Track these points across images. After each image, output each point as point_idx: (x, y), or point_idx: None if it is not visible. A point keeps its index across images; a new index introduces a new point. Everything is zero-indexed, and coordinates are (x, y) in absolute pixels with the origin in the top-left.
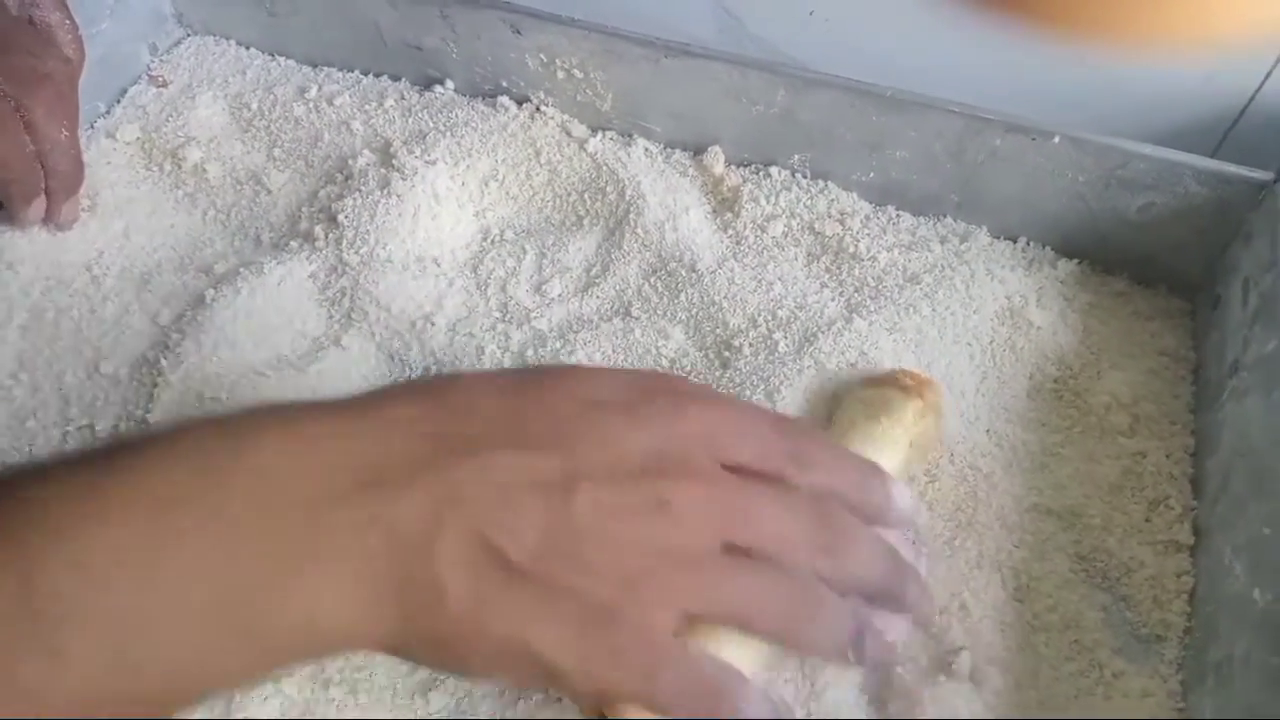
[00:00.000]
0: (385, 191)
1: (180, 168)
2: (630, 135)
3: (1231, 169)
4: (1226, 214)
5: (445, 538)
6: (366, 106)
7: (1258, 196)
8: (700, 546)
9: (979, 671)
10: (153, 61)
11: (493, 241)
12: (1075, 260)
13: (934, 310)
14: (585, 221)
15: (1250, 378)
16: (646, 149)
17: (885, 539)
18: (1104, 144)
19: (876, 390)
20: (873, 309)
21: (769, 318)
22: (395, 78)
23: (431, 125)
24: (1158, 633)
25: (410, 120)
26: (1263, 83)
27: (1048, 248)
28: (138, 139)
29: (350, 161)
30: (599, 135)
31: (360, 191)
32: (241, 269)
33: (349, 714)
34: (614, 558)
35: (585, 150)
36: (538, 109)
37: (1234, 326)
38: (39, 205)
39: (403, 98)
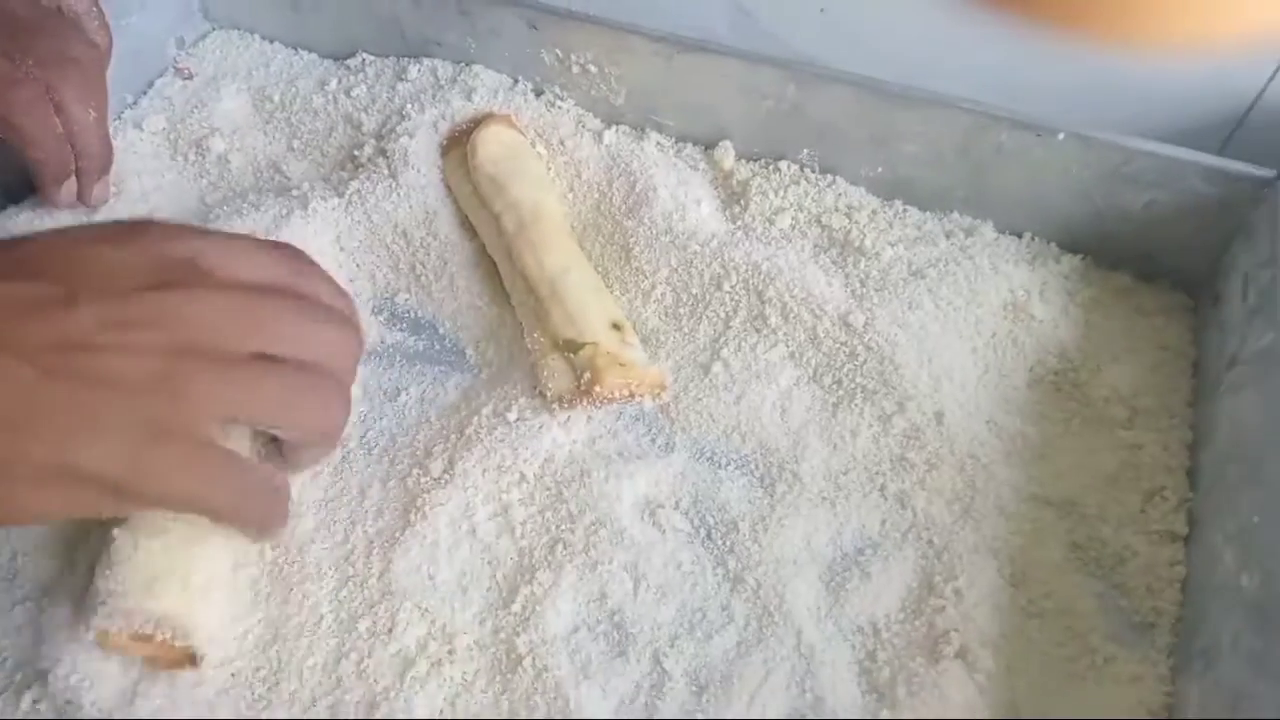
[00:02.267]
0: (394, 182)
1: (204, 158)
2: (643, 129)
3: (1235, 166)
4: (1229, 211)
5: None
6: (382, 97)
7: (1260, 194)
8: (231, 350)
9: (972, 654)
10: (179, 54)
11: None
12: (1079, 256)
13: (937, 304)
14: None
15: (1247, 371)
16: (659, 143)
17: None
18: (1109, 141)
19: None
20: (877, 301)
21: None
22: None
23: (441, 115)
24: (1150, 620)
25: (424, 112)
26: (1268, 83)
27: (1052, 243)
28: (164, 129)
29: (357, 152)
30: (613, 129)
31: (372, 179)
32: None
33: None
34: (139, 364)
35: (600, 143)
36: (553, 103)
37: (1233, 322)
38: (70, 186)
39: (417, 89)
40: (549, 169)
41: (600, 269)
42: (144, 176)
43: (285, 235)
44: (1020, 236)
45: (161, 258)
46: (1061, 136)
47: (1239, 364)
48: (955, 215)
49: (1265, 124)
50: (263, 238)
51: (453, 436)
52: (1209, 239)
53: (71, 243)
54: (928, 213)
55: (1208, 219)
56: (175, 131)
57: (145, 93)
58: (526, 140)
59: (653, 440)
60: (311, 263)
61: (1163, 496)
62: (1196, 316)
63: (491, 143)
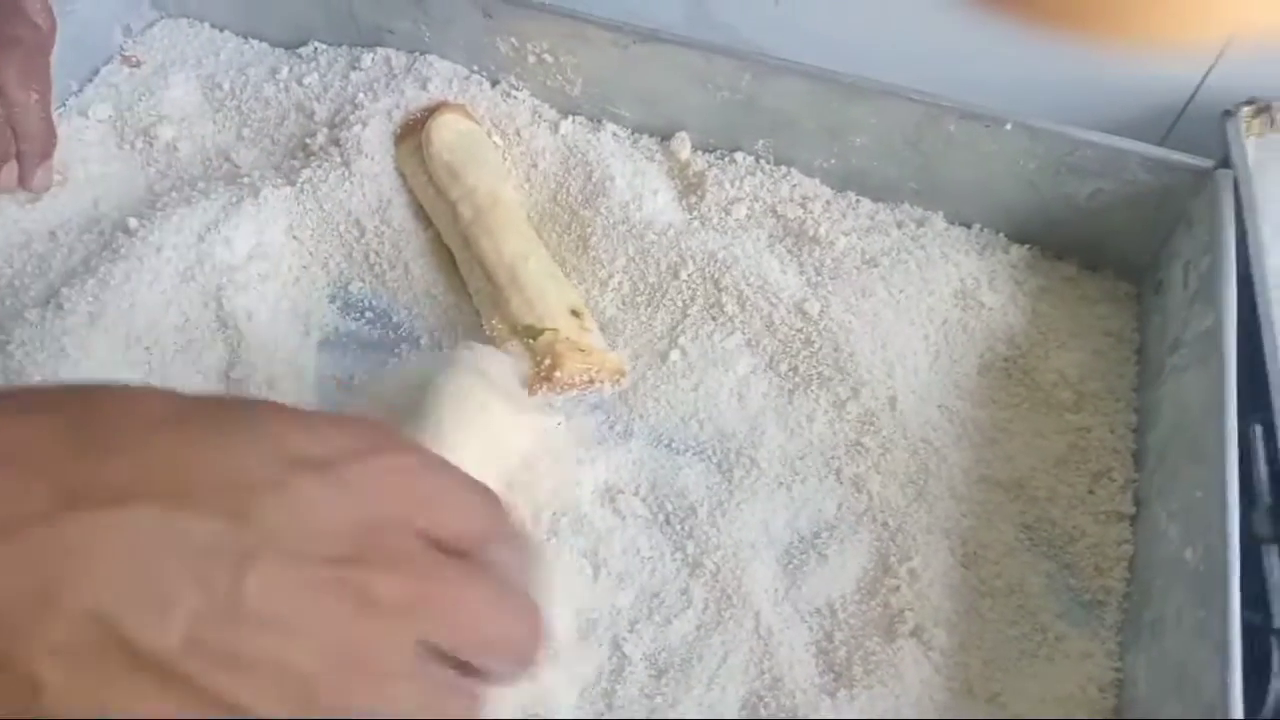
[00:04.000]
0: (347, 170)
1: (152, 146)
2: (599, 120)
3: (1175, 156)
4: (1170, 201)
5: (51, 618)
6: (335, 85)
7: (1199, 183)
8: (395, 652)
9: (926, 633)
10: (126, 42)
11: None
12: (1026, 246)
13: (889, 292)
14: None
15: (1189, 353)
16: (615, 134)
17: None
18: (1054, 131)
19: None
20: (832, 289)
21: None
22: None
23: (396, 104)
24: (1098, 598)
25: (378, 100)
26: (1205, 76)
27: (1000, 233)
28: (110, 117)
29: (309, 140)
30: (569, 119)
31: (324, 167)
32: None
33: None
34: (285, 657)
35: (556, 133)
36: (509, 93)
37: (1175, 308)
38: (10, 171)
39: (371, 77)
40: (505, 158)
41: (558, 258)
42: (90, 164)
43: (235, 223)
44: (970, 227)
45: (370, 505)
46: (1009, 126)
47: (1181, 347)
48: (906, 206)
49: (1204, 115)
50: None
51: None
52: (1151, 228)
53: (274, 460)
54: (880, 203)
55: (1150, 208)
56: (122, 119)
57: (91, 80)
58: (482, 129)
59: (611, 427)
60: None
61: (1110, 478)
62: (1140, 304)
63: (446, 130)
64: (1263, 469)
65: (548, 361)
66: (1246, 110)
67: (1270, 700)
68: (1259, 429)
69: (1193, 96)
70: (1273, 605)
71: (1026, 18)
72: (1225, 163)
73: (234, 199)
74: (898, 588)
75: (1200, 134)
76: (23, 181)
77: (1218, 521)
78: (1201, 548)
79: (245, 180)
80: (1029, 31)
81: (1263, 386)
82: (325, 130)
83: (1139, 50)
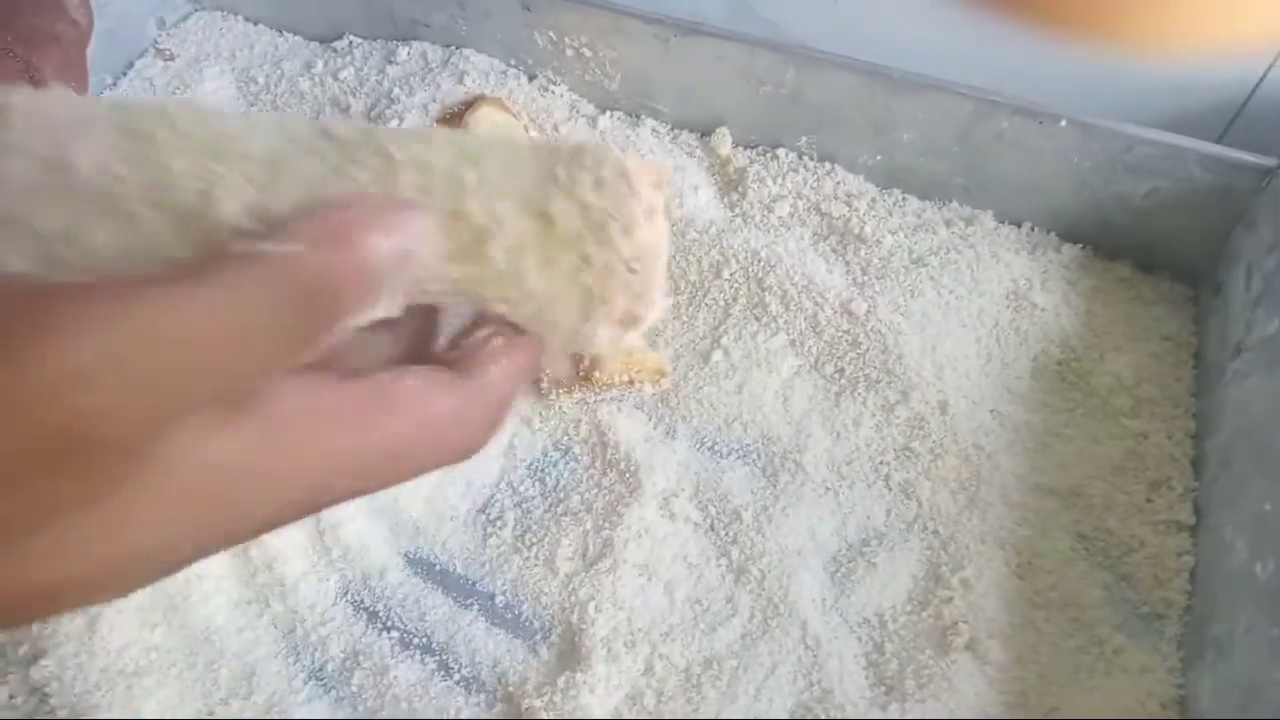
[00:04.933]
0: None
1: None
2: (638, 115)
3: (1236, 155)
4: (1230, 200)
5: None
6: (371, 80)
7: (1261, 182)
8: None
9: (980, 645)
10: (160, 35)
11: None
12: (1079, 246)
13: (939, 293)
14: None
15: (1253, 359)
16: (654, 129)
17: None
18: (1110, 128)
19: None
20: (878, 289)
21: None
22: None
23: (432, 98)
24: (1158, 611)
25: (413, 95)
26: (1266, 71)
27: (1052, 233)
28: None
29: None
30: (607, 114)
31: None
32: None
33: None
34: None
35: (595, 129)
36: (546, 87)
37: (1237, 310)
38: None
39: (407, 72)
40: None
41: None
42: None
43: None
44: (1020, 226)
45: None
46: (1064, 123)
47: (1244, 352)
48: (954, 204)
49: (1264, 113)
50: None
51: None
52: (1209, 228)
53: None
54: (927, 201)
55: (1208, 208)
56: None
57: (125, 74)
58: (519, 122)
59: (654, 428)
60: None
61: (1168, 486)
62: (1197, 306)
63: (484, 124)
64: None
65: (587, 362)
66: None
67: None
68: None
69: (1252, 94)
70: None
71: (1077, 21)
72: None
73: None
74: (950, 599)
75: (1259, 132)
76: None
77: None
78: (1273, 563)
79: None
80: (1069, 38)
81: None
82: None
83: (1194, 49)
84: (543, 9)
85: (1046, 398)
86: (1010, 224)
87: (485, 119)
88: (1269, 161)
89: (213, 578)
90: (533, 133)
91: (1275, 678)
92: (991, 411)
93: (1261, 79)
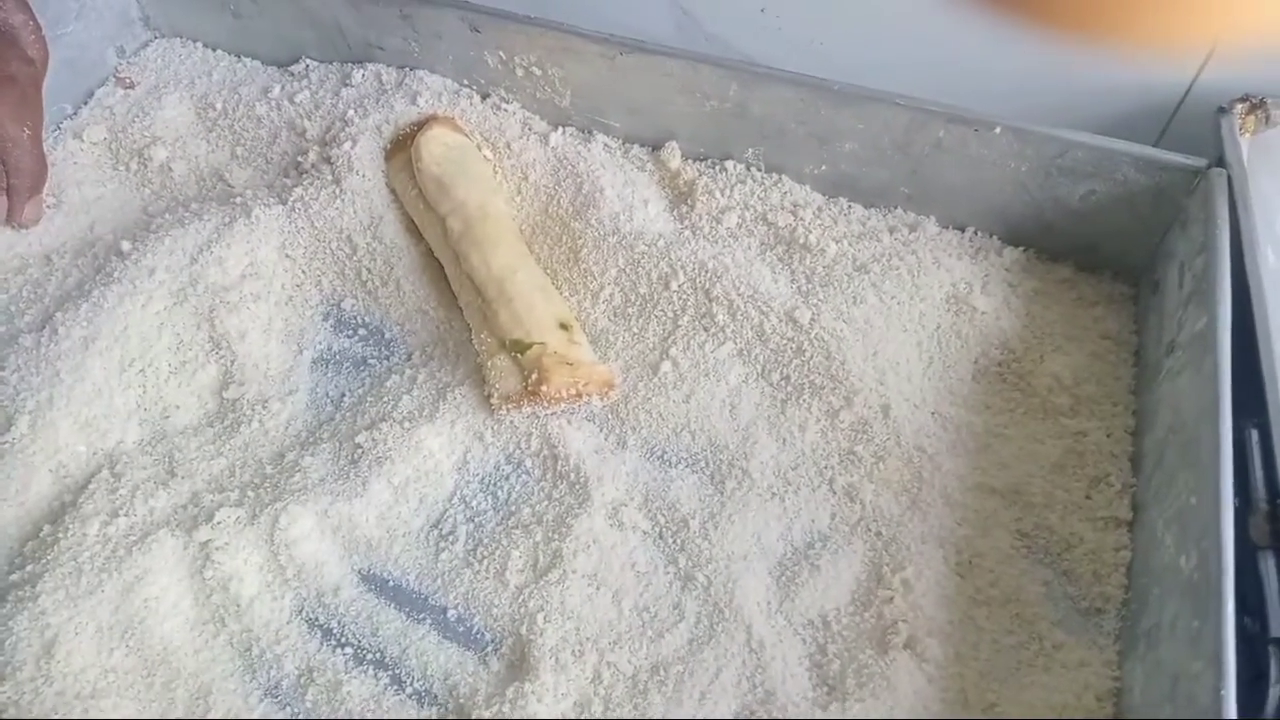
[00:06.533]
0: (338, 187)
1: (146, 167)
2: (590, 131)
3: (1167, 156)
4: (1165, 201)
5: None
6: (326, 103)
7: (1193, 183)
8: None
9: (919, 644)
10: (120, 63)
11: None
12: (1021, 248)
13: (880, 299)
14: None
15: (1184, 356)
16: (606, 144)
17: None
18: (1044, 133)
19: None
20: (822, 297)
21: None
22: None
23: (385, 119)
24: (1097, 605)
25: (367, 116)
26: (1197, 74)
27: (994, 237)
28: (104, 139)
29: (301, 158)
30: (559, 130)
31: (315, 185)
32: None
33: None
34: None
35: (547, 145)
36: (499, 106)
37: (1171, 308)
38: (0, 204)
39: (361, 94)
40: (495, 171)
41: (549, 271)
42: (85, 187)
43: (228, 243)
44: (963, 231)
45: None
46: (998, 130)
47: (1177, 349)
48: (899, 211)
49: (1198, 115)
50: None
51: (400, 438)
52: (1147, 228)
53: None
54: (872, 209)
55: (1145, 209)
56: (117, 141)
57: (86, 103)
58: (472, 142)
59: (605, 439)
60: None
61: (1107, 483)
62: (1138, 305)
63: (435, 145)
64: (1259, 474)
65: (535, 376)
66: (1240, 107)
67: (1269, 709)
68: (1255, 433)
69: (1186, 95)
70: (1270, 613)
71: (1014, 15)
72: (1219, 161)
73: (226, 219)
74: (891, 599)
75: (1196, 133)
76: (12, 215)
77: (1212, 528)
78: (1196, 555)
79: (238, 200)
80: (1020, 34)
81: (1259, 389)
82: (316, 148)
83: (1127, 49)
84: (491, 30)
85: (988, 399)
86: (954, 229)
87: (436, 140)
88: (1199, 162)
89: (169, 599)
90: (485, 151)
91: (1194, 669)
92: (933, 414)
93: (1194, 79)
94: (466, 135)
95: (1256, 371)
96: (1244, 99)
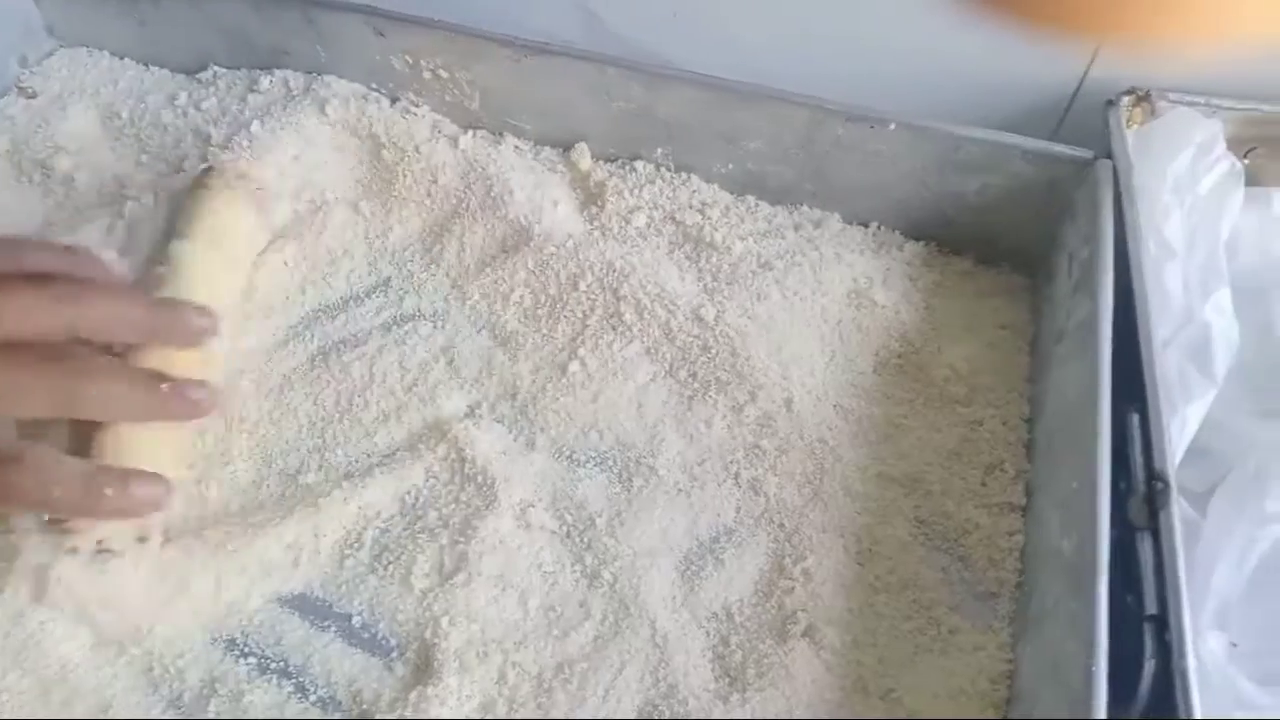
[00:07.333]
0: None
1: (50, 177)
2: (500, 133)
3: (1056, 148)
4: (1056, 193)
5: None
6: (233, 109)
7: (1081, 174)
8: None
9: (818, 632)
10: (23, 73)
11: None
12: (922, 242)
13: (784, 295)
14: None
15: (1071, 344)
16: (516, 146)
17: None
18: (937, 129)
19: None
20: (727, 295)
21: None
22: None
23: (295, 124)
24: (992, 590)
25: (274, 121)
26: (1088, 68)
27: (897, 231)
28: (7, 150)
29: (202, 163)
30: (469, 134)
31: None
32: None
33: None
34: None
35: (456, 148)
36: (409, 110)
37: (1060, 298)
38: None
39: (269, 100)
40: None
41: (457, 274)
42: None
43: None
44: (866, 226)
45: None
46: (893, 127)
47: (1065, 337)
48: (805, 208)
49: (1093, 107)
50: None
51: None
52: (1041, 220)
53: None
54: (778, 206)
55: (1038, 201)
56: (19, 152)
57: None
58: (251, 188)
59: (514, 440)
60: None
61: (1002, 469)
62: (1035, 296)
63: (203, 207)
64: (1139, 457)
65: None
66: (1127, 100)
67: (1143, 683)
68: (1136, 418)
69: (1078, 89)
70: (1144, 592)
71: None
72: (1106, 153)
73: (115, 224)
74: (792, 589)
75: (1091, 126)
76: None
77: (1089, 512)
78: (1076, 538)
79: (128, 203)
80: (925, 29)
81: (1141, 375)
82: (218, 154)
83: (1021, 34)
84: (395, 34)
85: (888, 390)
86: (858, 225)
87: (205, 201)
88: (1086, 154)
89: (64, 622)
90: (386, 153)
91: (1070, 650)
92: (835, 406)
93: (1086, 73)
94: (256, 182)
95: (1138, 358)
96: (1130, 91)
